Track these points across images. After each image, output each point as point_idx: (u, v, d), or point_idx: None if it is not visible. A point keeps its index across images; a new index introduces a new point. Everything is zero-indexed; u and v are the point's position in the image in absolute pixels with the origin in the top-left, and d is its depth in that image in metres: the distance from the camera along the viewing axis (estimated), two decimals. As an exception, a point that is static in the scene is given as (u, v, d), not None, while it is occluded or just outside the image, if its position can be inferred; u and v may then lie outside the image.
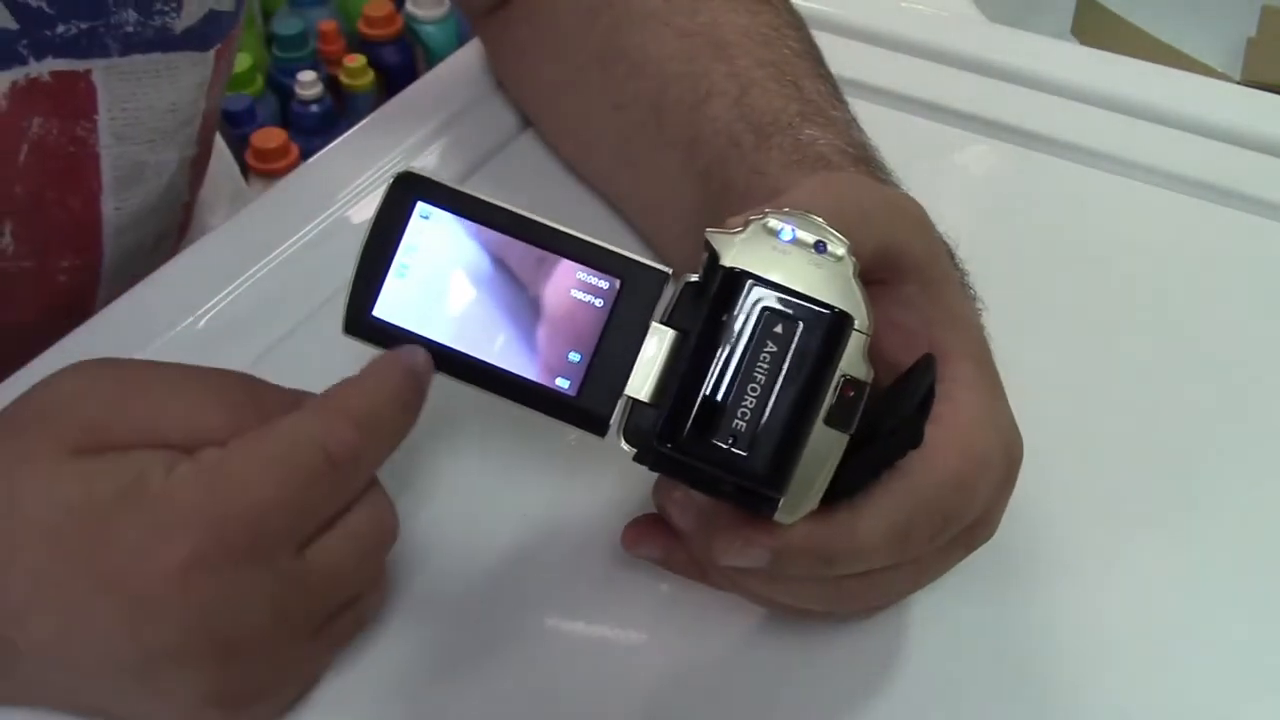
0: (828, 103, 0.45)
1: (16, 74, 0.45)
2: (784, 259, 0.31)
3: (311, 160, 0.56)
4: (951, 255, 0.39)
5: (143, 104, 0.49)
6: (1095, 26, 1.17)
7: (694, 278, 0.33)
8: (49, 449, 0.32)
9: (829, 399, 0.30)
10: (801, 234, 0.31)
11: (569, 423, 0.34)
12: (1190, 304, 0.51)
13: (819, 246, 0.31)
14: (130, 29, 0.46)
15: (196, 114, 0.52)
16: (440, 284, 0.34)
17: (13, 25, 0.43)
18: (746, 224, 0.32)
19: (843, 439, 0.31)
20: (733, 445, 0.30)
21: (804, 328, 0.30)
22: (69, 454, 0.31)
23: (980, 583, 0.39)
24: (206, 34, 0.49)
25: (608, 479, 0.42)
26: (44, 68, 0.45)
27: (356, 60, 1.56)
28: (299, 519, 0.32)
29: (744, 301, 0.30)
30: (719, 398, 0.30)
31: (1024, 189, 0.57)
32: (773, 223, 0.31)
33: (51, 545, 0.31)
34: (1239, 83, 1.07)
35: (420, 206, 0.34)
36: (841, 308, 0.31)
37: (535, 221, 0.34)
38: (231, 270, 0.48)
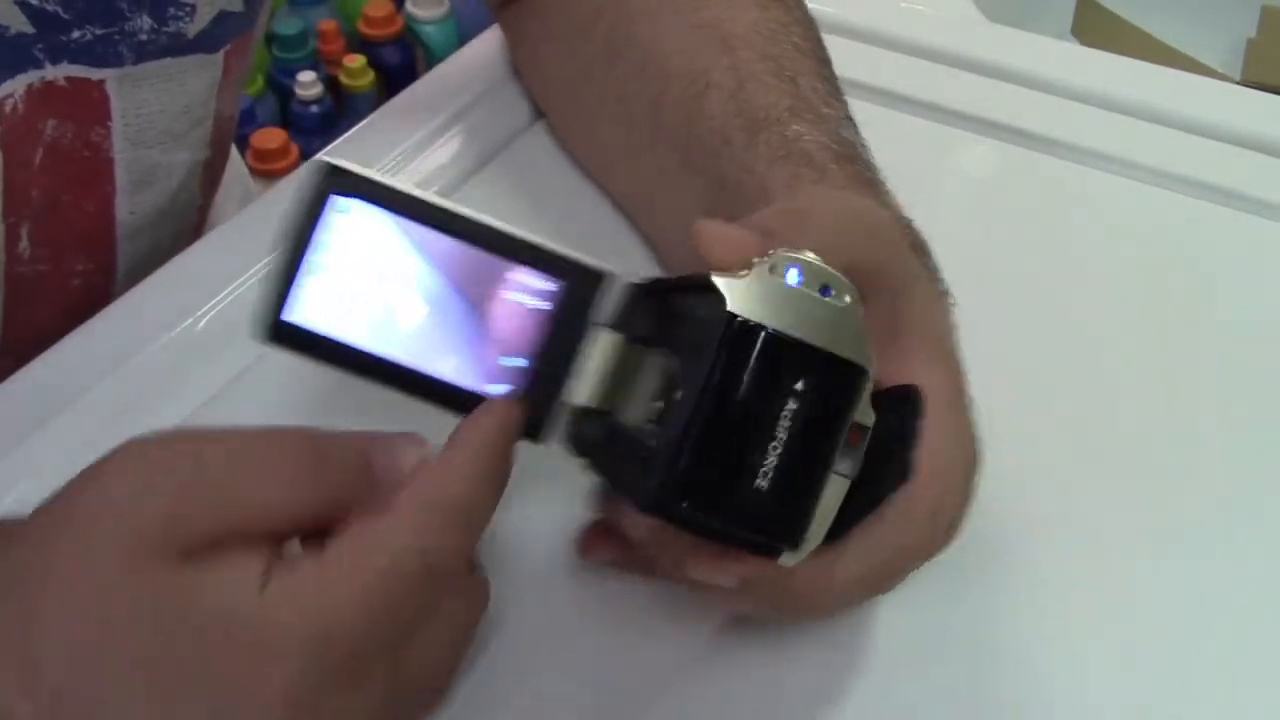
0: (821, 100, 0.45)
1: (32, 76, 0.45)
2: (790, 304, 0.29)
3: (311, 160, 0.56)
4: (924, 250, 0.39)
5: (156, 108, 0.49)
6: (1095, 26, 1.17)
7: (637, 280, 0.33)
8: (125, 560, 0.29)
9: (840, 448, 0.30)
10: (807, 277, 0.30)
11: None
12: (1190, 304, 0.51)
13: (824, 291, 0.30)
14: (144, 37, 0.46)
15: (208, 115, 0.52)
16: (364, 284, 0.32)
17: (29, 29, 0.43)
18: (750, 265, 0.30)
19: (846, 483, 0.30)
20: (754, 503, 0.29)
21: (819, 382, 0.29)
22: (145, 562, 0.29)
23: (977, 583, 0.39)
24: (217, 35, 0.49)
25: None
26: (59, 72, 0.45)
27: (356, 60, 1.57)
28: (399, 631, 0.31)
29: (760, 355, 0.29)
30: (740, 454, 0.29)
31: (1024, 189, 0.57)
32: (779, 265, 0.30)
33: (149, 675, 0.28)
34: (1239, 83, 1.07)
35: (339, 201, 0.32)
36: (856, 360, 0.29)
37: (470, 218, 0.32)
38: (231, 271, 0.48)
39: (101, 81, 0.46)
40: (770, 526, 0.29)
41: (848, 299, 0.30)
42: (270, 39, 1.61)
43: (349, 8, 1.66)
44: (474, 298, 0.32)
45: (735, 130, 0.43)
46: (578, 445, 0.33)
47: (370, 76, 1.57)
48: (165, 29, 0.46)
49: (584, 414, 0.33)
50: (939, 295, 0.39)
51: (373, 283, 0.32)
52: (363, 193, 0.32)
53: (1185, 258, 0.53)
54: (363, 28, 1.63)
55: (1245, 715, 0.38)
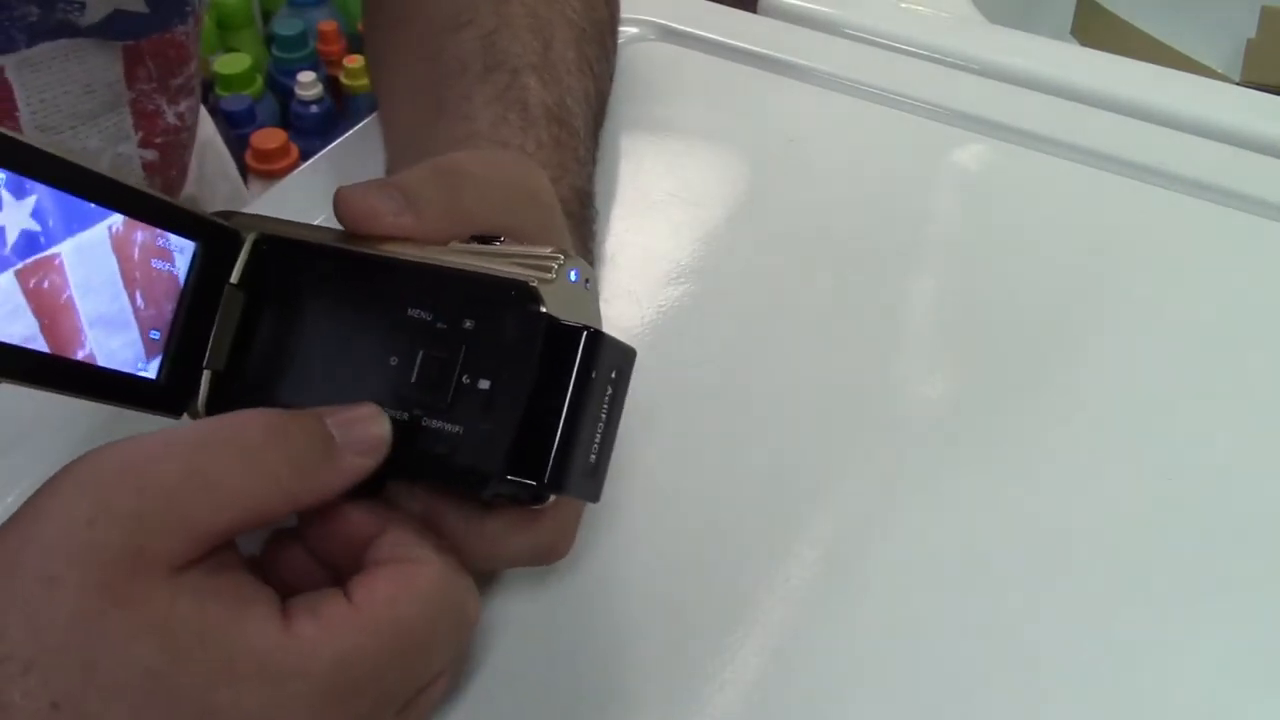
0: (566, 68, 0.47)
1: None
2: (577, 300, 0.31)
3: (311, 161, 0.56)
4: (584, 220, 0.43)
5: (58, 90, 0.49)
6: (1095, 26, 1.17)
7: (259, 237, 0.33)
8: (95, 596, 0.26)
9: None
10: (582, 275, 0.32)
11: (149, 410, 0.32)
12: (1190, 304, 0.51)
13: (587, 283, 0.32)
14: (34, 20, 0.46)
15: (117, 100, 0.52)
16: None
17: None
18: (550, 269, 0.31)
19: None
20: (589, 475, 0.31)
21: (624, 370, 0.31)
22: (123, 593, 0.26)
23: (961, 581, 0.40)
24: (114, 30, 0.49)
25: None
26: None
27: (356, 61, 1.57)
28: (420, 671, 0.30)
29: (600, 358, 0.30)
30: (585, 441, 0.30)
31: (1024, 189, 0.57)
32: (570, 269, 0.32)
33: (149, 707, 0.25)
34: (1239, 83, 1.07)
35: None
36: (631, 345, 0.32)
37: (92, 172, 0.29)
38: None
39: (0, 70, 0.46)
40: (595, 491, 0.31)
41: (593, 282, 0.32)
42: (270, 39, 1.61)
43: (349, 8, 1.66)
44: (108, 270, 0.29)
45: (474, 64, 0.46)
46: (211, 409, 0.33)
47: (370, 77, 1.57)
48: (54, 16, 0.46)
49: (215, 377, 0.33)
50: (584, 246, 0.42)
51: None
52: None
53: (1185, 258, 0.53)
54: (363, 28, 1.63)
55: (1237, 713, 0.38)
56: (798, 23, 0.67)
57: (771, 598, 0.39)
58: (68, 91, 0.49)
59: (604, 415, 0.31)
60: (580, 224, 0.43)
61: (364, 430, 0.30)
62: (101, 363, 0.30)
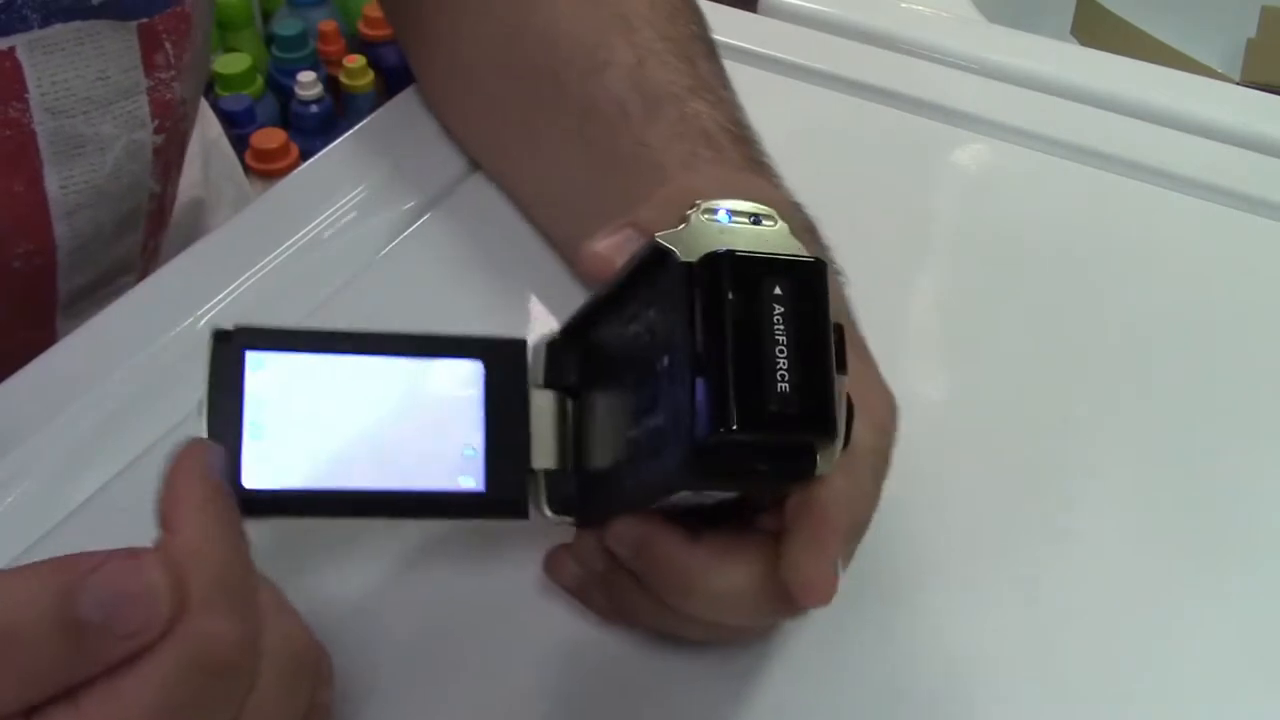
0: (718, 82, 0.46)
1: None
2: (736, 236, 0.30)
3: (311, 161, 0.56)
4: (814, 231, 0.40)
5: (71, 74, 0.48)
6: (1095, 26, 1.17)
7: (552, 337, 0.34)
8: None
9: (832, 341, 0.29)
10: (738, 211, 0.31)
11: (487, 517, 0.34)
12: (1190, 304, 0.51)
13: (755, 219, 0.30)
14: None
15: (134, 87, 0.51)
16: (304, 429, 0.32)
17: None
18: (685, 219, 0.30)
19: (844, 380, 0.29)
20: (786, 407, 0.28)
21: (792, 284, 0.29)
22: None
23: (964, 581, 0.39)
24: (127, 6, 0.48)
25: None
26: None
27: (356, 61, 1.57)
28: None
29: (733, 276, 0.28)
30: (758, 370, 0.28)
31: (1023, 189, 0.57)
32: (707, 211, 0.30)
33: None
34: (1239, 83, 1.07)
35: (250, 357, 0.32)
36: (812, 257, 0.29)
37: (374, 333, 0.33)
38: (231, 271, 0.48)
39: (11, 50, 0.45)
40: (807, 423, 0.28)
41: (779, 223, 0.31)
42: (270, 39, 1.61)
43: (349, 8, 1.66)
44: (412, 404, 0.33)
45: (634, 105, 0.44)
46: (556, 507, 0.34)
47: (370, 76, 1.57)
48: None
49: (552, 475, 0.34)
50: (831, 273, 0.39)
51: (313, 424, 0.32)
52: (271, 343, 0.32)
53: (1185, 257, 0.53)
54: (363, 28, 1.63)
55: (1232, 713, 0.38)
56: (798, 23, 0.67)
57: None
58: (80, 76, 0.48)
59: (782, 338, 0.28)
60: (814, 235, 0.41)
61: (125, 611, 0.25)
62: (425, 486, 0.32)
